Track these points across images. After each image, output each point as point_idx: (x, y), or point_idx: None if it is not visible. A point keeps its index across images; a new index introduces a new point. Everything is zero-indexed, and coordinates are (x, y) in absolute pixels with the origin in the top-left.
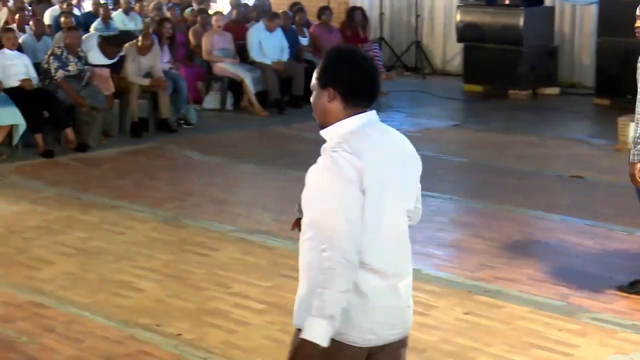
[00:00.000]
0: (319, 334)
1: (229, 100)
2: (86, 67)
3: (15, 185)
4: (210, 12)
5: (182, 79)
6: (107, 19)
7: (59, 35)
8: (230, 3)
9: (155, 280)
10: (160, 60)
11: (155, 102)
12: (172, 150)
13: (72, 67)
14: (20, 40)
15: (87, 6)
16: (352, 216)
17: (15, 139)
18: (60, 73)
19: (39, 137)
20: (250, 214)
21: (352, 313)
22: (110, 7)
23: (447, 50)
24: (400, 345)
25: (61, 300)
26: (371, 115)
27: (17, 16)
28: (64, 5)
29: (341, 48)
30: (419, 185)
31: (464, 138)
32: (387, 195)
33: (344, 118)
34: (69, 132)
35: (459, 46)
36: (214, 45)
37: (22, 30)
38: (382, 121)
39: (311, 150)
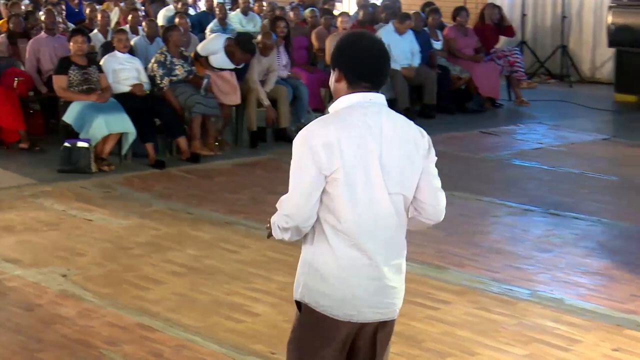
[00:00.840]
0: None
1: None
2: (192, 68)
3: (124, 197)
4: (335, 12)
5: (304, 85)
6: (223, 19)
7: None
8: (357, 3)
9: (271, 304)
10: (277, 63)
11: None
12: (288, 162)
13: (179, 71)
14: (132, 43)
15: (204, 5)
16: (303, 180)
17: (125, 148)
18: (166, 81)
19: (149, 147)
20: None
21: (332, 284)
22: (228, 7)
23: (597, 56)
24: (382, 328)
25: (170, 323)
26: (372, 96)
27: (129, 17)
28: (179, 5)
29: (351, 33)
30: (436, 184)
31: (614, 153)
32: (363, 169)
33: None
34: (182, 142)
35: (610, 51)
36: None
37: (135, 32)
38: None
39: (443, 166)
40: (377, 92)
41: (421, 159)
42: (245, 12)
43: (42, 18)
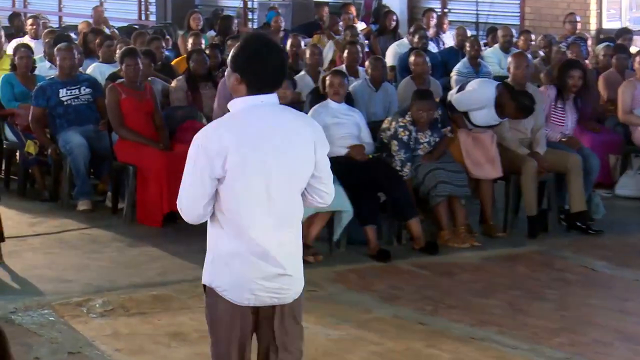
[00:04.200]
0: None
1: None
2: (446, 130)
3: (335, 299)
4: (633, 49)
5: (593, 155)
6: (476, 58)
7: (402, 84)
8: None
9: None
10: (564, 122)
11: (559, 185)
12: (564, 258)
13: (422, 150)
14: (350, 89)
15: (450, 39)
16: (194, 185)
17: (337, 233)
18: (409, 168)
19: (370, 231)
20: None
21: (231, 271)
22: (483, 41)
23: None
24: (281, 310)
25: None
26: (265, 98)
27: (345, 53)
28: (416, 39)
29: (250, 37)
30: (330, 172)
31: None
32: (254, 164)
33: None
34: (414, 225)
35: None
36: (636, 100)
37: (354, 74)
38: None
39: None
40: (271, 93)
41: (316, 150)
42: (506, 49)
43: None
